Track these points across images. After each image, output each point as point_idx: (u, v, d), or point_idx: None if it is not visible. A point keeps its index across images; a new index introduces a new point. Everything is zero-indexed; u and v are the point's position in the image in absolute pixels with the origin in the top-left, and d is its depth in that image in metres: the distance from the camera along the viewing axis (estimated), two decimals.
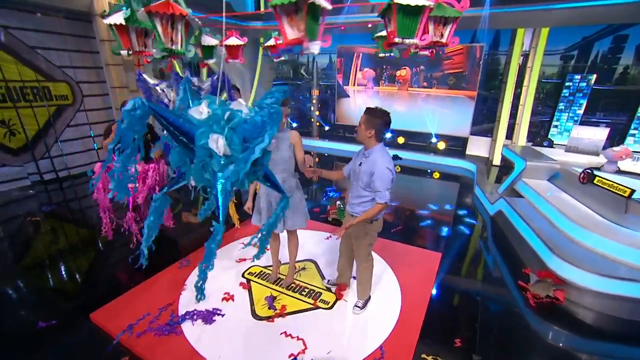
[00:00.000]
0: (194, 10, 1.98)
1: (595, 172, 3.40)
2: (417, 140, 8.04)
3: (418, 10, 1.61)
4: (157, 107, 1.13)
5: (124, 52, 1.79)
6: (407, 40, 1.76)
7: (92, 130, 6.01)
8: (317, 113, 9.40)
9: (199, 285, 1.55)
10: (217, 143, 1.09)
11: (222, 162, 1.10)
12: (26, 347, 2.30)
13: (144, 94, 2.58)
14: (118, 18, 1.67)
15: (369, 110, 2.20)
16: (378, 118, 2.15)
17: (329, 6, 1.50)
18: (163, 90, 2.36)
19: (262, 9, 8.44)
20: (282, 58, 4.56)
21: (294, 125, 9.76)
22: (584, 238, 3.04)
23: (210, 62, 2.97)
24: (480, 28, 6.02)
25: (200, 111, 1.12)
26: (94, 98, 6.01)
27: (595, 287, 2.71)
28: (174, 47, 1.78)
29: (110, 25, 1.73)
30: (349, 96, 8.67)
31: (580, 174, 3.49)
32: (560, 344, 2.51)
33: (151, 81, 2.38)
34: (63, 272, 3.26)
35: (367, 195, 2.27)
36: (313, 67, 9.05)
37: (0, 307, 2.72)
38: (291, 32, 1.57)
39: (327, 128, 9.56)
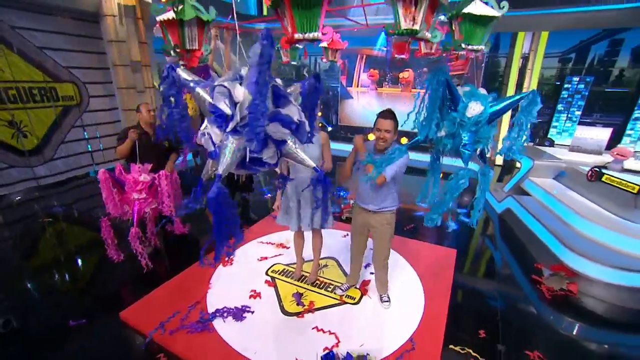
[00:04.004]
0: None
1: (604, 171, 3.55)
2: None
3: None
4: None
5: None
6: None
7: (85, 132, 5.90)
8: (319, 114, 9.46)
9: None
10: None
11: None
12: (60, 345, 2.31)
13: (166, 96, 1.54)
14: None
15: (393, 115, 2.24)
16: (396, 121, 2.26)
17: None
18: (223, 86, 1.35)
19: (264, 11, 8.50)
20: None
21: None
22: (594, 233, 3.17)
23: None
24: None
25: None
26: (100, 99, 5.97)
27: (608, 278, 2.84)
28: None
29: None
30: (352, 97, 8.78)
31: (589, 171, 3.64)
32: (577, 335, 2.61)
33: (188, 77, 1.45)
34: (83, 273, 3.26)
35: (393, 188, 2.37)
36: (316, 69, 9.12)
37: (29, 306, 2.72)
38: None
39: (329, 129, 9.64)
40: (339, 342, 2.30)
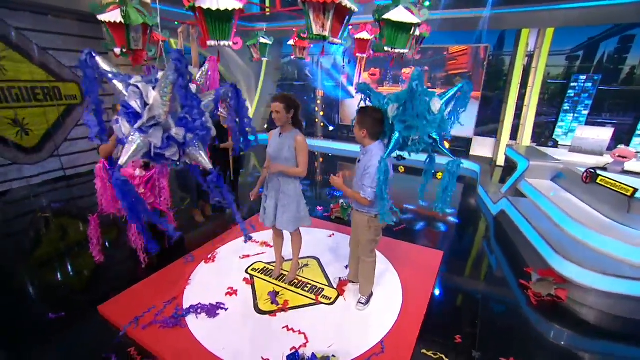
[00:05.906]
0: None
1: (599, 172, 3.39)
2: None
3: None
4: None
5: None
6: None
7: None
8: (321, 113, 9.46)
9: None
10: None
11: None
12: (38, 337, 2.38)
13: (85, 85, 1.49)
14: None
15: (359, 111, 2.25)
16: (368, 117, 2.19)
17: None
18: (137, 87, 1.33)
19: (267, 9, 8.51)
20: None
21: None
22: (586, 237, 3.03)
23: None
24: (482, 29, 6.03)
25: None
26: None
27: (598, 286, 2.70)
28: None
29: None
30: (353, 97, 8.72)
31: (584, 173, 3.48)
32: (562, 343, 2.51)
33: (107, 68, 1.41)
34: (72, 267, 3.35)
35: None
36: (317, 68, 9.11)
37: (13, 299, 2.81)
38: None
39: (331, 128, 9.61)
40: (307, 342, 2.28)
